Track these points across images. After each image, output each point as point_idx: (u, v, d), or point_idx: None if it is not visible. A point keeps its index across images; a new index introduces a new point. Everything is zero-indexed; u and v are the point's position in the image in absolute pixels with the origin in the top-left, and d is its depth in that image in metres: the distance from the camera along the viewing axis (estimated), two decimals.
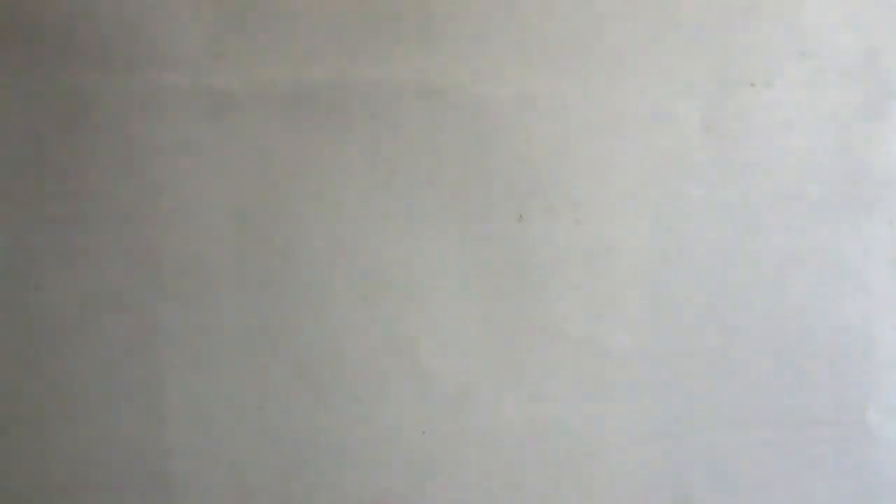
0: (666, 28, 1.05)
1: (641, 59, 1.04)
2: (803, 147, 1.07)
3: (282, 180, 1.01)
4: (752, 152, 1.07)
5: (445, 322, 1.04)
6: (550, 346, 1.05)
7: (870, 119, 1.08)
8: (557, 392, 1.06)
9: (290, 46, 1.00)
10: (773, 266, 1.08)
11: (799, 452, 1.10)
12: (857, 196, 1.09)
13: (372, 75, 1.01)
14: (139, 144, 0.99)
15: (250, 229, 1.01)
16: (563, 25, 1.03)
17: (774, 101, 1.07)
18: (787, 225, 1.08)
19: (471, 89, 1.02)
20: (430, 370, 1.04)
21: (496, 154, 1.03)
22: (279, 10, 1.00)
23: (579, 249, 1.05)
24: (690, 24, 1.05)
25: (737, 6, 1.05)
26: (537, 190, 1.04)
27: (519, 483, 1.06)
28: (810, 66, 1.07)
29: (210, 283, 1.01)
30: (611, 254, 1.06)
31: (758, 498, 1.09)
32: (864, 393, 1.10)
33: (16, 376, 0.99)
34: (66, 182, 0.98)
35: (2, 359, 0.99)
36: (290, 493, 1.03)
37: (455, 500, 1.05)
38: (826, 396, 1.10)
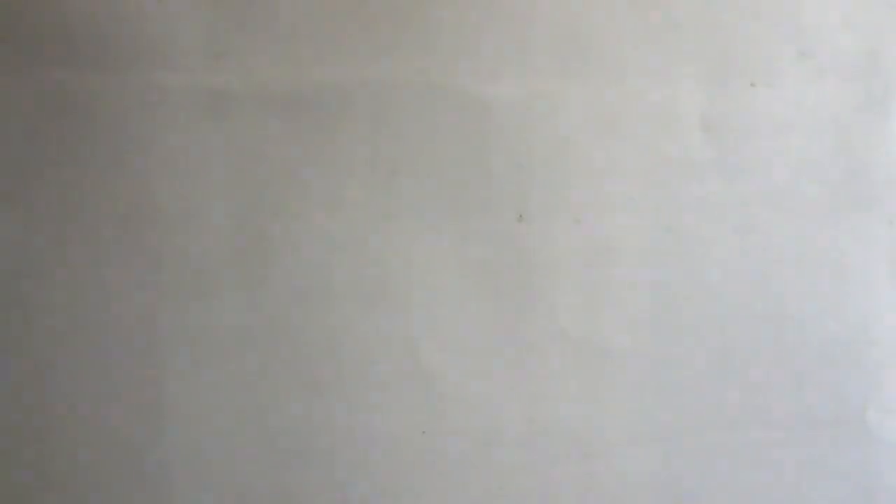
0: (666, 28, 1.05)
1: (641, 59, 1.04)
2: (803, 147, 1.07)
3: (282, 180, 1.01)
4: (752, 152, 1.07)
5: (445, 322, 1.04)
6: (550, 346, 1.05)
7: (870, 119, 1.08)
8: (557, 392, 1.06)
9: (290, 46, 1.00)
10: (772, 266, 1.08)
11: (799, 452, 1.10)
12: (857, 196, 1.09)
13: (372, 75, 1.01)
14: (139, 144, 0.99)
15: (250, 229, 1.01)
16: (563, 26, 1.03)
17: (774, 101, 1.07)
18: (787, 225, 1.08)
19: (471, 89, 1.02)
20: (430, 370, 1.04)
21: (496, 154, 1.03)
22: (279, 10, 1.00)
23: (579, 249, 1.05)
24: (690, 24, 1.05)
25: (737, 6, 1.05)
26: (537, 190, 1.04)
27: (519, 483, 1.06)
28: (810, 66, 1.07)
29: (210, 283, 1.01)
30: (611, 254, 1.06)
31: (757, 498, 1.09)
32: (864, 393, 1.10)
33: (16, 376, 0.99)
34: (66, 182, 0.98)
35: (2, 359, 0.99)
36: (289, 492, 1.03)
37: (455, 500, 1.05)
38: (826, 397, 1.10)
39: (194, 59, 0.99)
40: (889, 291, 1.10)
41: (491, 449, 1.06)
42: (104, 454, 1.01)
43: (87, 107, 0.98)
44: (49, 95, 0.98)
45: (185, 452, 1.02)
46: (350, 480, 1.04)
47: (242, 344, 1.01)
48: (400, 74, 1.01)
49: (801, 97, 1.07)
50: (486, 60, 1.02)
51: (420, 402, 1.04)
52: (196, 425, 1.02)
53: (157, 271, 1.00)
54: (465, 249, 1.04)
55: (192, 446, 1.02)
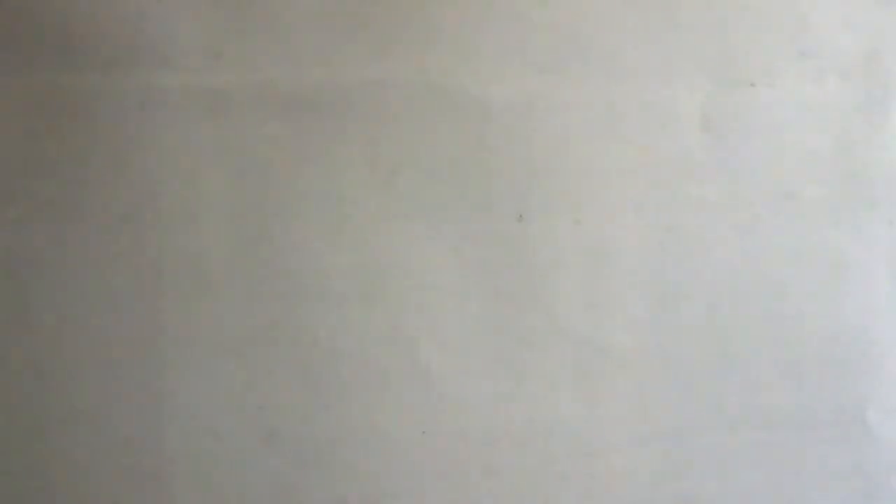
0: (666, 28, 1.05)
1: (641, 59, 1.04)
2: (803, 146, 1.07)
3: (281, 180, 1.01)
4: (752, 152, 1.07)
5: (445, 322, 1.04)
6: (550, 346, 1.05)
7: (870, 119, 1.08)
8: (557, 392, 1.06)
9: (289, 46, 1.00)
10: (772, 266, 1.08)
11: (799, 452, 1.10)
12: (857, 196, 1.09)
13: (372, 75, 1.01)
14: (139, 144, 0.99)
15: (250, 229, 1.01)
16: (563, 26, 1.03)
17: (774, 100, 1.07)
18: (787, 224, 1.08)
19: (471, 89, 1.02)
20: (430, 370, 1.04)
21: (496, 154, 1.03)
22: (279, 10, 1.00)
23: (579, 249, 1.05)
24: (690, 23, 1.05)
25: (737, 6, 1.05)
26: (537, 190, 1.04)
27: (519, 483, 1.06)
28: (810, 66, 1.07)
29: (210, 283, 1.01)
30: (611, 254, 1.06)
31: (758, 498, 1.09)
32: (864, 393, 1.10)
33: (16, 376, 0.99)
34: (66, 182, 0.98)
35: (2, 359, 0.99)
36: (289, 493, 1.03)
37: (455, 500, 1.05)
38: (826, 396, 1.10)
39: (194, 59, 0.99)
40: (889, 291, 1.10)
41: (491, 449, 1.06)
42: (104, 454, 1.01)
43: (87, 107, 0.98)
44: (49, 95, 0.98)
45: (185, 452, 1.02)
46: (350, 480, 1.04)
47: (242, 344, 1.01)
48: (400, 74, 1.01)
49: (801, 97, 1.07)
50: (486, 60, 1.02)
51: (420, 402, 1.04)
52: (196, 425, 1.02)
53: (157, 271, 1.00)
54: (465, 249, 1.04)
55: (192, 446, 1.02)
